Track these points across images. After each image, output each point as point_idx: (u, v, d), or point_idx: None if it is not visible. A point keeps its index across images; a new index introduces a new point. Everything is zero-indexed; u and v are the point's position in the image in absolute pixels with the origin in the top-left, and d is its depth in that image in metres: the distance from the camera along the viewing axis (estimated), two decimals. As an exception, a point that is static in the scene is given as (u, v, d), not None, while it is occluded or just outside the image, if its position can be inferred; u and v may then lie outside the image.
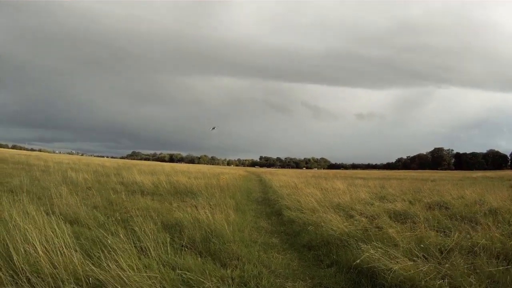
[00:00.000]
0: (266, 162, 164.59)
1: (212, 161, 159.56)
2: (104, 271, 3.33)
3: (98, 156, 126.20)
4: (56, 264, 3.45)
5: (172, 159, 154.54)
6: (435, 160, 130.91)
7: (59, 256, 3.54)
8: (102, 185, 11.13)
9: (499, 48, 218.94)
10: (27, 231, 3.95)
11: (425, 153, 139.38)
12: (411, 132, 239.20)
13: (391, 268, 3.88)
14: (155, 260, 3.92)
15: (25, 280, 3.20)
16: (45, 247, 3.67)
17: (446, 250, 4.57)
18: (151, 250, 4.12)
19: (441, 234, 5.41)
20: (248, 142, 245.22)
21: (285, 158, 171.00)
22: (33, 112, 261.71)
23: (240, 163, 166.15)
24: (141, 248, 4.27)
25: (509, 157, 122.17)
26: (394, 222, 6.31)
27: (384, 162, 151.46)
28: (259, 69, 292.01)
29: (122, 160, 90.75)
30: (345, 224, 6.04)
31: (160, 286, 3.36)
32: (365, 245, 4.67)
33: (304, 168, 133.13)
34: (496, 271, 3.89)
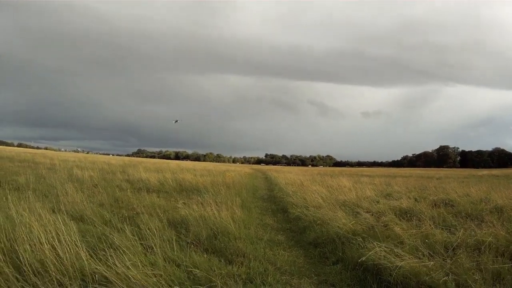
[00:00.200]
0: (272, 160, 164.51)
1: (218, 158, 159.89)
2: (109, 268, 3.35)
3: (104, 154, 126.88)
4: (63, 260, 3.47)
5: (177, 156, 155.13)
6: (441, 158, 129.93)
7: (66, 253, 3.56)
8: (108, 183, 11.17)
9: (506, 46, 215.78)
10: (33, 228, 3.99)
11: (430, 151, 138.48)
12: (417, 130, 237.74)
13: (397, 265, 3.85)
14: (161, 257, 3.92)
15: (32, 276, 3.23)
16: (52, 244, 3.70)
17: (451, 247, 4.55)
18: (157, 247, 4.13)
19: (447, 232, 5.37)
20: (254, 140, 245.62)
21: (291, 156, 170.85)
22: (39, 111, 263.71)
23: (246, 160, 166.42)
24: (147, 246, 4.28)
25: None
26: (400, 219, 6.27)
27: (390, 159, 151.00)
28: (266, 67, 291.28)
29: (128, 157, 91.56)
30: (351, 221, 6.01)
31: (166, 283, 3.37)
32: (371, 243, 4.64)
33: (310, 166, 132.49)
34: (501, 268, 3.88)
